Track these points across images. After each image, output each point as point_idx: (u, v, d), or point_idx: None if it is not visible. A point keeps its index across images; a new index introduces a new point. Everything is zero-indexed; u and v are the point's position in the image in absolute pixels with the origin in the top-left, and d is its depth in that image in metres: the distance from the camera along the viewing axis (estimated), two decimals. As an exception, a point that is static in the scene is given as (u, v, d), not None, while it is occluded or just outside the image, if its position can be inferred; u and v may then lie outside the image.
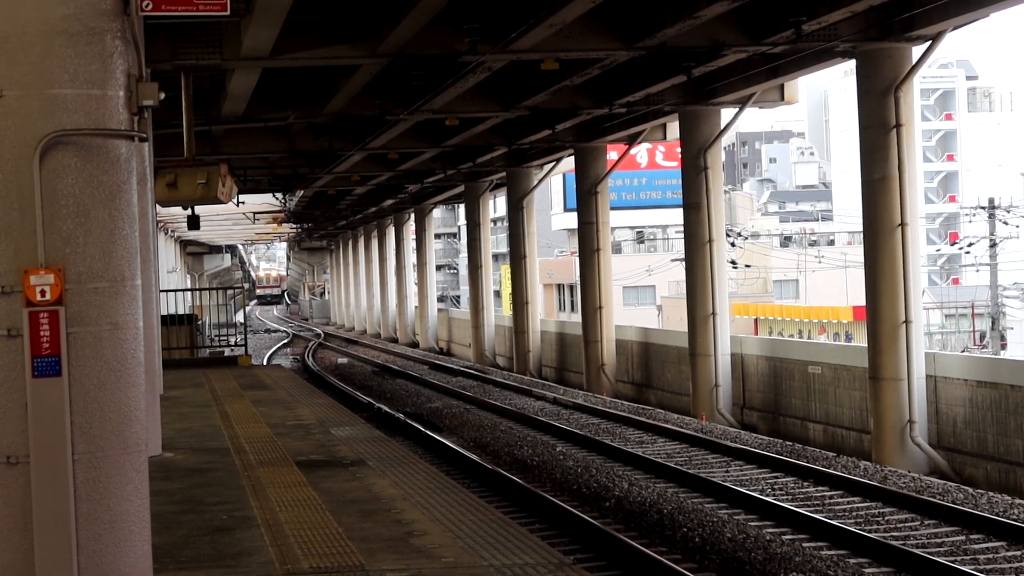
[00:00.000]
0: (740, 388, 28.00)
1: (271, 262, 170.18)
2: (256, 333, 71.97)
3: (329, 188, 48.54)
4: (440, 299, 79.70)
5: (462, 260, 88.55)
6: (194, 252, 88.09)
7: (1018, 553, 13.67)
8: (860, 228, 23.30)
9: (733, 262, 50.76)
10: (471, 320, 48.41)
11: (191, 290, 48.93)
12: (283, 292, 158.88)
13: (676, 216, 50.72)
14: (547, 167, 41.56)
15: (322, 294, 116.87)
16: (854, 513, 15.90)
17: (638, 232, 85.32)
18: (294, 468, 12.59)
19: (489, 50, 20.51)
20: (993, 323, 55.25)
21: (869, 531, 14.52)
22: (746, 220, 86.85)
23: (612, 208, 37.64)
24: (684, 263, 29.95)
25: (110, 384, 6.54)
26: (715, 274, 28.32)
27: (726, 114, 28.67)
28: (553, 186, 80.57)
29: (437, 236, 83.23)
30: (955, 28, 20.94)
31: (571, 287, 68.20)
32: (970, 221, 63.76)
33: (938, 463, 20.80)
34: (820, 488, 17.57)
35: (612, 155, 38.41)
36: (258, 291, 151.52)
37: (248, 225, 67.34)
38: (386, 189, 50.69)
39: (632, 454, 20.22)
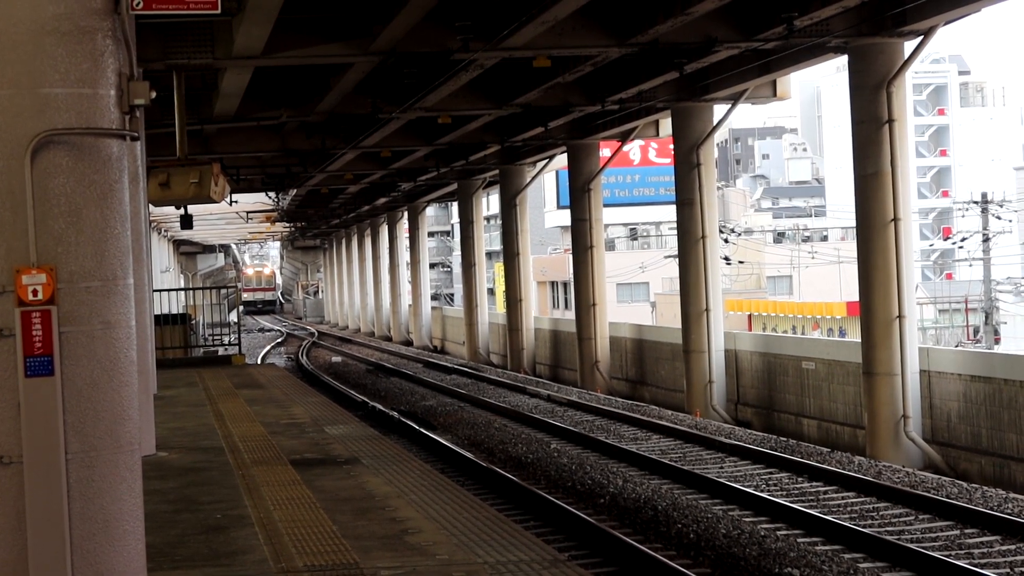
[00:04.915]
0: (734, 384, 28.02)
1: (264, 260, 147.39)
2: (250, 332, 71.95)
3: (322, 187, 48.53)
4: (434, 297, 79.67)
5: (455, 258, 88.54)
6: (187, 252, 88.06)
7: (1012, 547, 13.68)
8: (853, 224, 23.33)
9: (726, 258, 50.75)
10: (465, 318, 48.41)
11: (185, 289, 48.89)
12: (279, 295, 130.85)
13: (669, 213, 50.76)
14: (540, 164, 41.56)
15: (316, 293, 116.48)
16: (849, 508, 15.91)
17: (631, 229, 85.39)
18: (288, 467, 12.58)
19: (481, 47, 20.50)
20: (986, 318, 55.32)
21: (864, 526, 14.53)
22: (739, 216, 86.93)
23: (605, 205, 37.67)
24: (677, 260, 29.96)
25: (103, 383, 6.53)
26: (708, 270, 28.34)
27: (719, 110, 28.69)
28: (546, 183, 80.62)
29: (430, 234, 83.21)
30: (947, 23, 20.99)
31: (565, 284, 68.24)
32: (963, 216, 63.87)
33: (932, 458, 20.82)
34: (815, 484, 17.58)
35: (605, 152, 38.42)
36: (245, 294, 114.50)
37: (241, 224, 67.33)
38: (379, 187, 50.69)
39: (626, 451, 20.22)
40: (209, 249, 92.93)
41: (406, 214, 62.52)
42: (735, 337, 28.86)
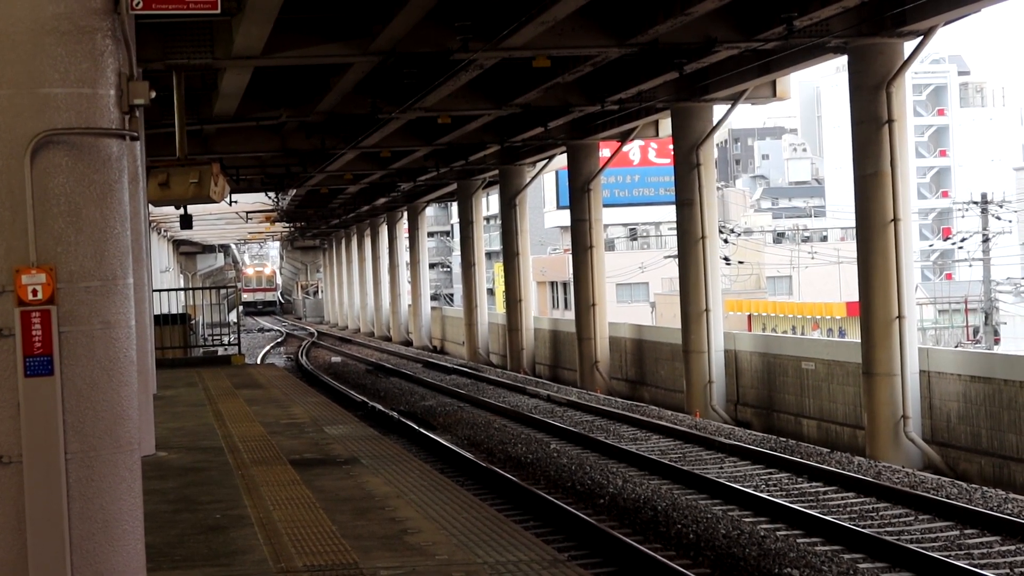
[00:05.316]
0: (734, 384, 28.01)
1: (264, 260, 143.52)
2: (249, 332, 71.94)
3: (322, 187, 48.53)
4: (434, 297, 79.66)
5: (455, 258, 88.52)
6: (187, 252, 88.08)
7: (1012, 548, 13.68)
8: (853, 224, 23.33)
9: (726, 258, 50.76)
10: (464, 318, 48.41)
11: (184, 289, 48.88)
12: (279, 295, 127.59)
13: (669, 213, 50.77)
14: (540, 164, 41.56)
15: (315, 293, 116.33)
16: (848, 509, 15.90)
17: (631, 229, 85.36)
18: (288, 467, 12.58)
19: (481, 47, 20.49)
20: (986, 318, 55.30)
21: (863, 526, 14.53)
22: (739, 216, 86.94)
23: (605, 205, 37.68)
24: (677, 260, 29.96)
25: (102, 383, 6.53)
26: (708, 271, 28.34)
27: (718, 110, 28.69)
28: (546, 183, 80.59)
29: (430, 234, 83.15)
30: (946, 23, 20.98)
31: (564, 284, 68.22)
32: (963, 216, 63.87)
33: (932, 458, 20.82)
34: (814, 484, 17.58)
35: (605, 152, 38.42)
36: (244, 295, 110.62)
37: (241, 224, 67.32)
38: (379, 187, 50.69)
39: (626, 451, 20.21)
40: (209, 249, 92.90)
41: (406, 214, 62.52)
42: (735, 337, 28.85)
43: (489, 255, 71.36)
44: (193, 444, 14.52)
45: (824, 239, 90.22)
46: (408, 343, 61.59)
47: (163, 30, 19.28)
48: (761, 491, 16.83)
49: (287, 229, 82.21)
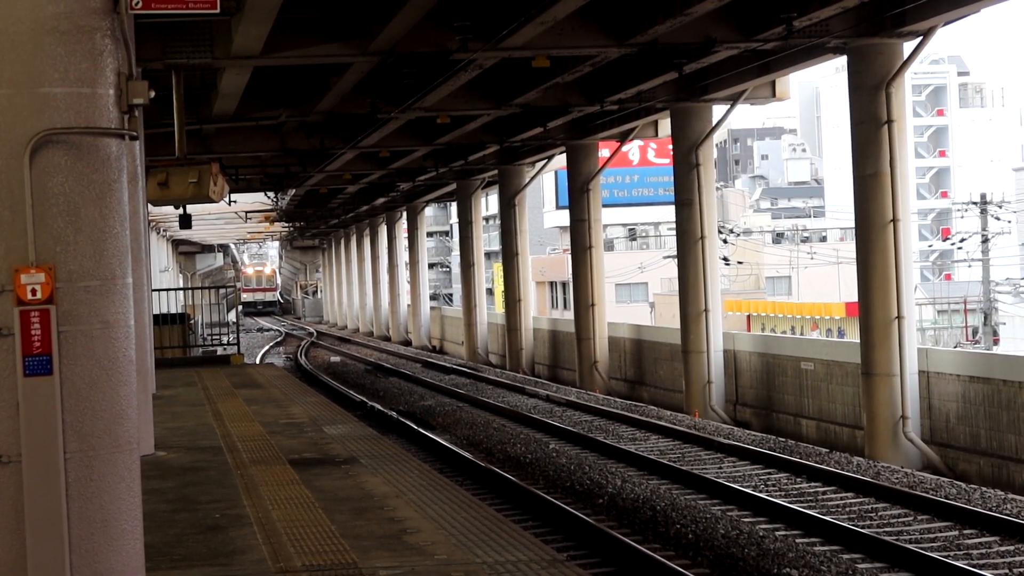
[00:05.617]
0: (733, 385, 28.01)
1: (263, 259, 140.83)
2: (248, 332, 71.91)
3: (321, 187, 48.52)
4: (433, 297, 79.63)
5: (454, 258, 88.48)
6: (186, 251, 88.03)
7: (1011, 548, 13.68)
8: (852, 224, 23.35)
9: (725, 259, 50.78)
10: (464, 318, 48.40)
11: (183, 289, 48.88)
12: (279, 295, 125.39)
13: (668, 213, 50.71)
14: (539, 165, 41.55)
15: (315, 293, 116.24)
16: (847, 509, 15.91)
17: (630, 229, 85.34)
18: (287, 466, 12.58)
19: (480, 47, 20.49)
20: (985, 318, 55.30)
21: (862, 527, 14.53)
22: (738, 217, 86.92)
23: (604, 205, 37.67)
24: (676, 260, 29.96)
25: (101, 383, 6.53)
26: (707, 271, 28.34)
27: (718, 111, 28.68)
28: (545, 183, 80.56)
29: (429, 234, 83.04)
30: (946, 24, 20.99)
31: (563, 284, 68.22)
32: (962, 217, 63.86)
33: (931, 458, 20.82)
34: (813, 484, 17.58)
35: (604, 152, 38.42)
36: (244, 295, 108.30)
37: (240, 224, 67.31)
38: (378, 187, 50.68)
39: (625, 451, 20.21)
40: (208, 249, 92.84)
41: (405, 214, 62.50)
42: (734, 337, 28.86)
43: (488, 255, 71.36)
44: (192, 444, 14.53)
45: (823, 239, 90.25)
46: (407, 343, 61.59)
47: (162, 30, 19.27)
48: (760, 491, 16.84)
49: (286, 229, 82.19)
